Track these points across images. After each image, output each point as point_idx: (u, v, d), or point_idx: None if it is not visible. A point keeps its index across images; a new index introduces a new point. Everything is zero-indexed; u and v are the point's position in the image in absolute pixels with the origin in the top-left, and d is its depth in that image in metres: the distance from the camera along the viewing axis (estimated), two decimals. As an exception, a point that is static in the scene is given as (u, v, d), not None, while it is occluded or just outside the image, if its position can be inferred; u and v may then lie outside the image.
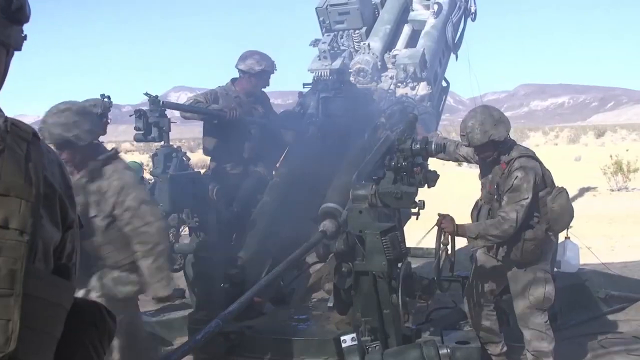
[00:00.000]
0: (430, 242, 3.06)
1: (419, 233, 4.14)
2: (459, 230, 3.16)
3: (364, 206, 3.06)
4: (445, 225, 3.13)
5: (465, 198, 4.35)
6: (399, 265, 3.08)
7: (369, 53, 4.68)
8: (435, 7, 4.93)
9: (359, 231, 3.02)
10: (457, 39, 5.20)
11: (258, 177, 4.26)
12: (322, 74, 4.60)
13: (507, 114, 3.69)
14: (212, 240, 3.54)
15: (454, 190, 9.95)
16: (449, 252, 3.11)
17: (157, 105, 3.63)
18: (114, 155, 2.68)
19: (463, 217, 3.55)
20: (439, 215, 3.18)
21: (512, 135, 3.53)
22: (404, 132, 3.26)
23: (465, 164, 4.20)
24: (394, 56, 4.72)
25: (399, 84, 4.56)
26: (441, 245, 3.09)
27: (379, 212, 3.19)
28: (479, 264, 3.56)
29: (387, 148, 3.26)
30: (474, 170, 4.06)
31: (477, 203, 3.57)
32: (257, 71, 4.22)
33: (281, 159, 4.40)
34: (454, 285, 3.33)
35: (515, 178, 3.24)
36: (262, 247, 3.81)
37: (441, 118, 4.99)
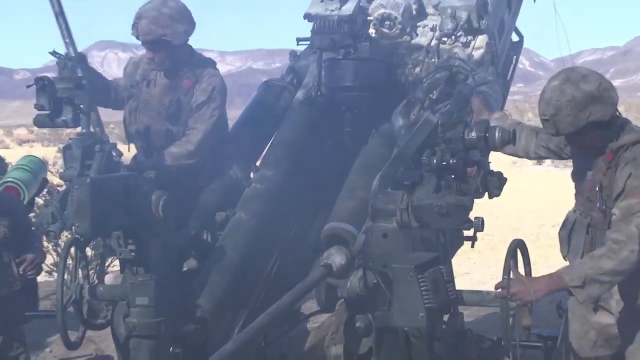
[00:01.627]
0: (492, 280, 3.08)
1: (475, 267, 4.17)
2: (551, 285, 3.13)
3: (390, 227, 3.08)
4: (519, 294, 3.07)
5: (548, 212, 4.38)
6: (445, 318, 3.08)
7: (398, -9, 4.71)
8: None
9: (383, 265, 3.04)
10: (535, -32, 5.22)
11: (228, 183, 4.28)
12: (327, 24, 4.59)
13: (615, 83, 3.68)
14: (157, 280, 3.57)
15: (530, 202, 9.93)
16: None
17: (72, 70, 3.67)
18: None
19: (545, 241, 3.55)
20: (514, 245, 3.15)
21: (624, 115, 3.51)
22: (451, 112, 3.27)
23: (548, 160, 4.18)
24: (438, -5, 4.75)
25: (445, 39, 4.55)
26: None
27: (413, 235, 3.19)
28: (572, 316, 3.58)
29: (426, 138, 3.26)
30: (564, 171, 4.02)
31: (567, 218, 3.59)
32: (149, 40, 4.27)
33: (262, 155, 4.44)
34: (533, 351, 3.33)
35: (629, 176, 3.24)
36: (234, 290, 3.84)
37: (510, 90, 4.99)
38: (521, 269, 3.21)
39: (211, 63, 4.48)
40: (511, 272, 3.10)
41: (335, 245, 3.54)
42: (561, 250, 3.61)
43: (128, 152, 4.27)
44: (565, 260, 3.59)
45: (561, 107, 3.27)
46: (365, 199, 3.40)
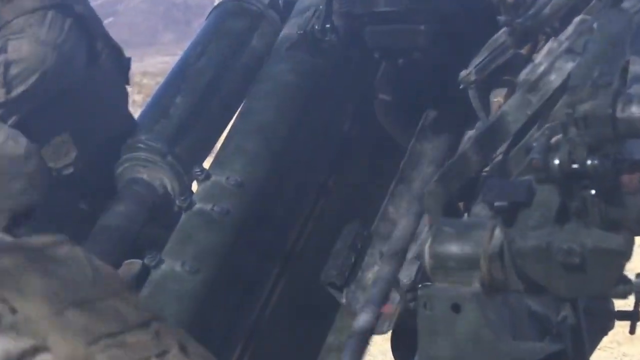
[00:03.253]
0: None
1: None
2: None
3: (467, 292, 3.10)
4: None
5: None
6: None
7: None
8: None
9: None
10: None
11: (147, 204, 4.45)
12: None
13: None
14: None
15: None
16: None
17: None
18: None
19: None
20: None
21: None
22: (588, 66, 3.24)
23: None
24: None
25: None
26: None
27: (513, 308, 3.30)
28: None
29: (533, 114, 3.41)
30: None
31: None
32: None
33: (217, 147, 4.51)
34: None
35: None
36: None
37: None
38: None
39: None
40: None
41: None
42: None
43: None
44: None
45: None
46: None
